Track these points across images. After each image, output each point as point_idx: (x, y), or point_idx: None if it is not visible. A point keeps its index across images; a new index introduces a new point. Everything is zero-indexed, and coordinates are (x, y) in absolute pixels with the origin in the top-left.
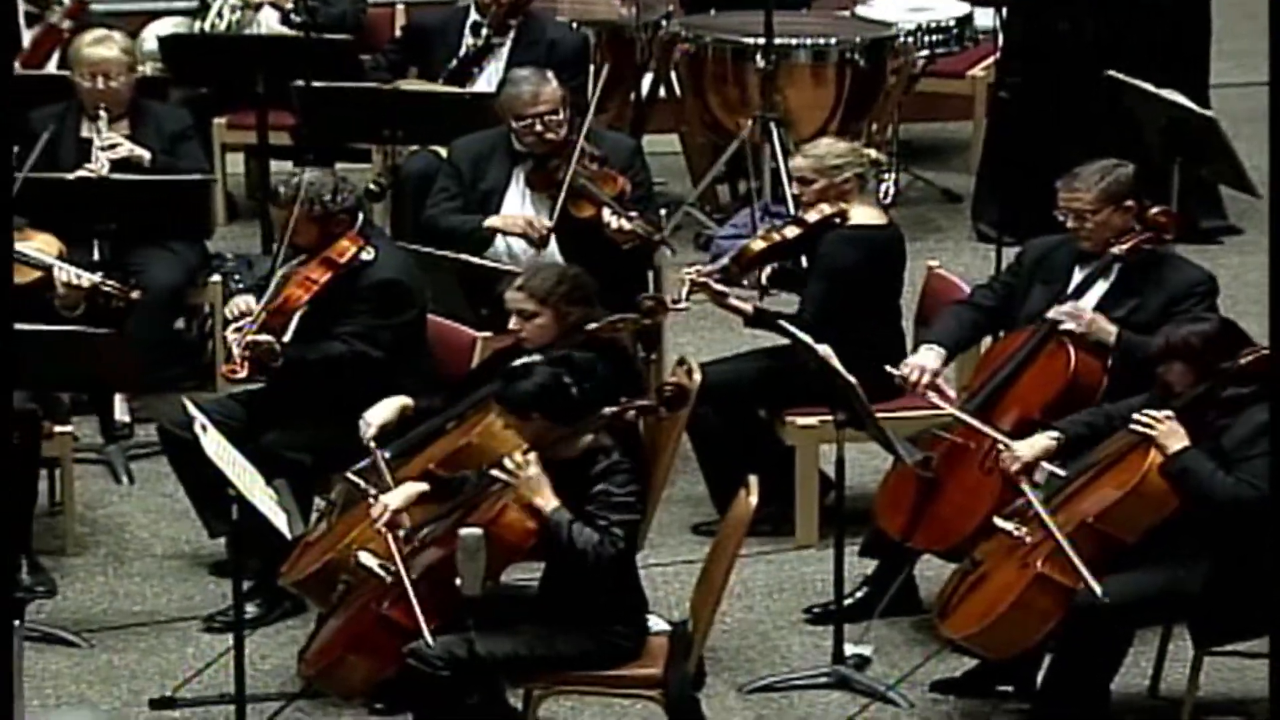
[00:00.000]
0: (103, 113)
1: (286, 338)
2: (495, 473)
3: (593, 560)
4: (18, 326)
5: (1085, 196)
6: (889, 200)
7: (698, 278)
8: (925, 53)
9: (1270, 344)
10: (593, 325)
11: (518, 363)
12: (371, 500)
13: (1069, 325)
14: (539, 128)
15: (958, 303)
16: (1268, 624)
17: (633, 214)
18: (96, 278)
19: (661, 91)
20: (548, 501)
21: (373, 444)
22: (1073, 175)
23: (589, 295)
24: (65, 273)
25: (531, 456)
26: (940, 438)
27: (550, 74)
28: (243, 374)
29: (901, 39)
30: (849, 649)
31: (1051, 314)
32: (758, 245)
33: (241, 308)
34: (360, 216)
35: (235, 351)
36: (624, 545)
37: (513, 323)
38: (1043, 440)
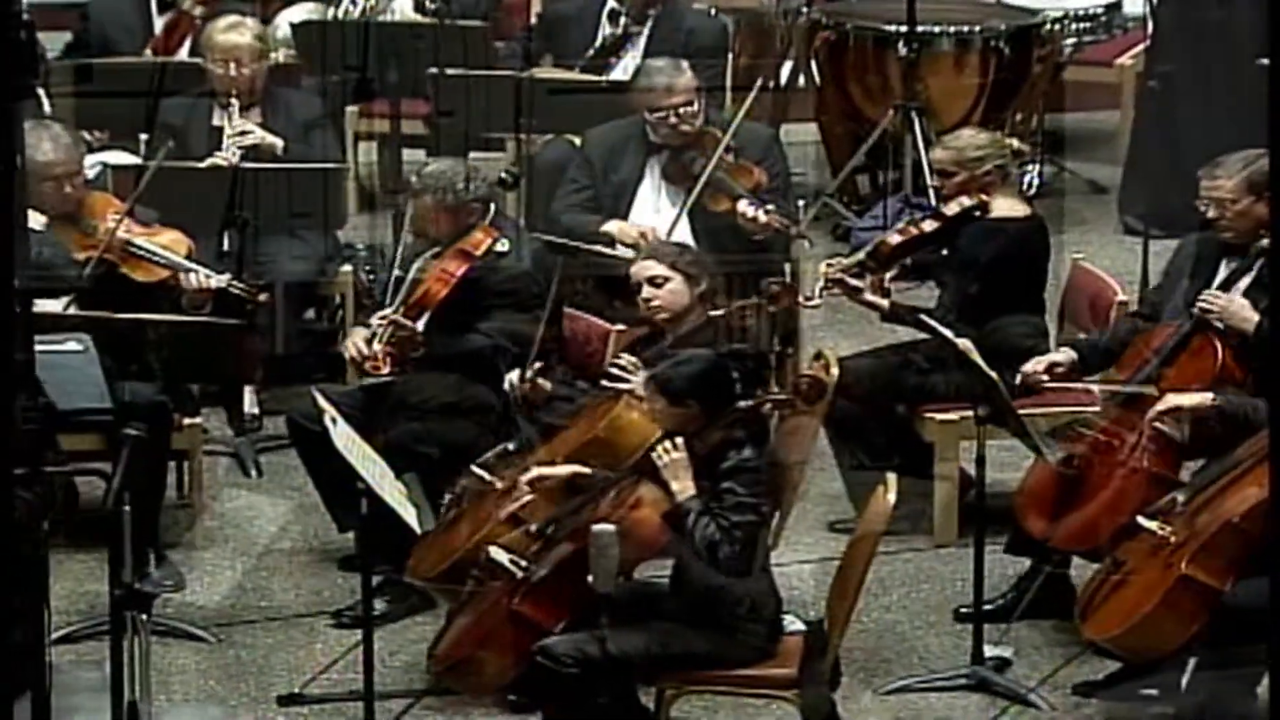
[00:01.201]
0: (234, 100)
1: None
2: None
3: (707, 558)
4: (148, 317)
5: (1227, 185)
6: (1032, 191)
7: (832, 273)
8: (1072, 40)
9: (1270, 344)
10: (718, 311)
11: (680, 354)
12: (497, 484)
13: (1208, 307)
14: (673, 120)
15: (1130, 314)
16: None
17: (768, 206)
18: (224, 279)
19: (801, 80)
20: (685, 488)
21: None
22: (1215, 164)
23: (707, 268)
24: (194, 274)
25: (679, 442)
26: (1083, 434)
27: (685, 64)
28: (385, 370)
29: (1048, 26)
30: (989, 650)
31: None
32: (895, 239)
33: (362, 348)
34: (493, 207)
35: (377, 347)
36: (742, 549)
37: (645, 293)
38: (1199, 395)
